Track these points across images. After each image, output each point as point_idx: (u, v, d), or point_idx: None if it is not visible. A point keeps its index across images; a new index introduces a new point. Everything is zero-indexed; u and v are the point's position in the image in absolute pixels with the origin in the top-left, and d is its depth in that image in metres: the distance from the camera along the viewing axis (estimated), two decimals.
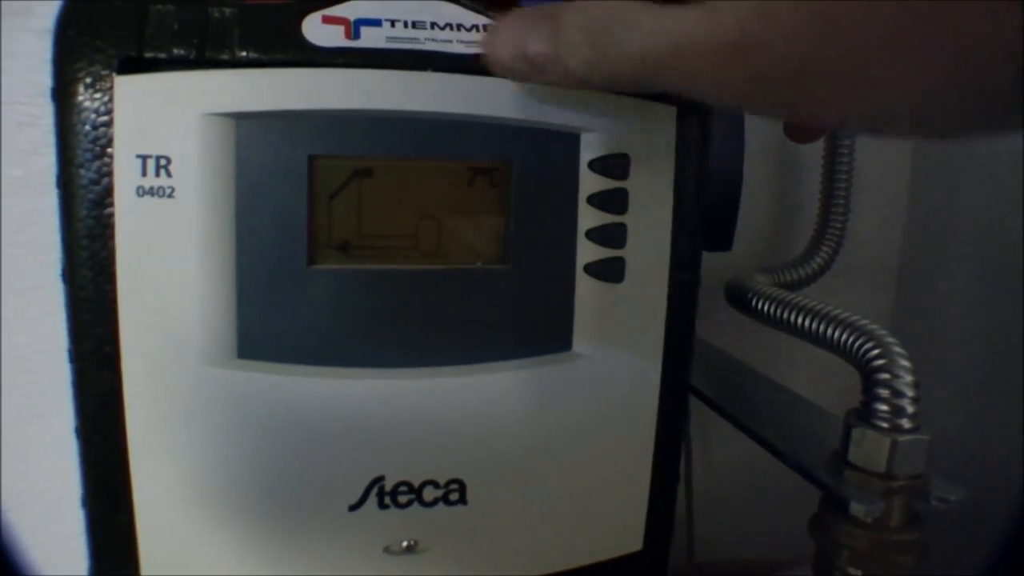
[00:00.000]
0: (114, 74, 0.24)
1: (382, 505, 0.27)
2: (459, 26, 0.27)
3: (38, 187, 0.41)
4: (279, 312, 0.26)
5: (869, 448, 0.33)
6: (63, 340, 0.42)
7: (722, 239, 0.34)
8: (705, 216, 0.30)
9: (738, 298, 0.43)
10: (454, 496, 0.28)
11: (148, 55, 0.25)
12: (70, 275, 0.25)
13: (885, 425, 0.33)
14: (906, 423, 0.33)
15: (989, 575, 0.12)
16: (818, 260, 0.45)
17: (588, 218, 0.27)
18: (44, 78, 0.40)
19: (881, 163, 0.51)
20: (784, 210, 0.51)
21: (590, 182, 0.27)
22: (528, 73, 0.23)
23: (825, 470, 0.35)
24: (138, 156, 0.24)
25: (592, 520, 0.30)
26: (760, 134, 0.49)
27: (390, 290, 0.26)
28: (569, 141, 0.27)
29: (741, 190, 0.34)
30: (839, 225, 0.45)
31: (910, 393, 0.33)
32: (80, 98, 0.24)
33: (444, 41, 0.26)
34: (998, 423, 0.43)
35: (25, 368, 0.42)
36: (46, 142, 0.41)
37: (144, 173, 0.24)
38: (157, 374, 0.25)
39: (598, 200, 0.27)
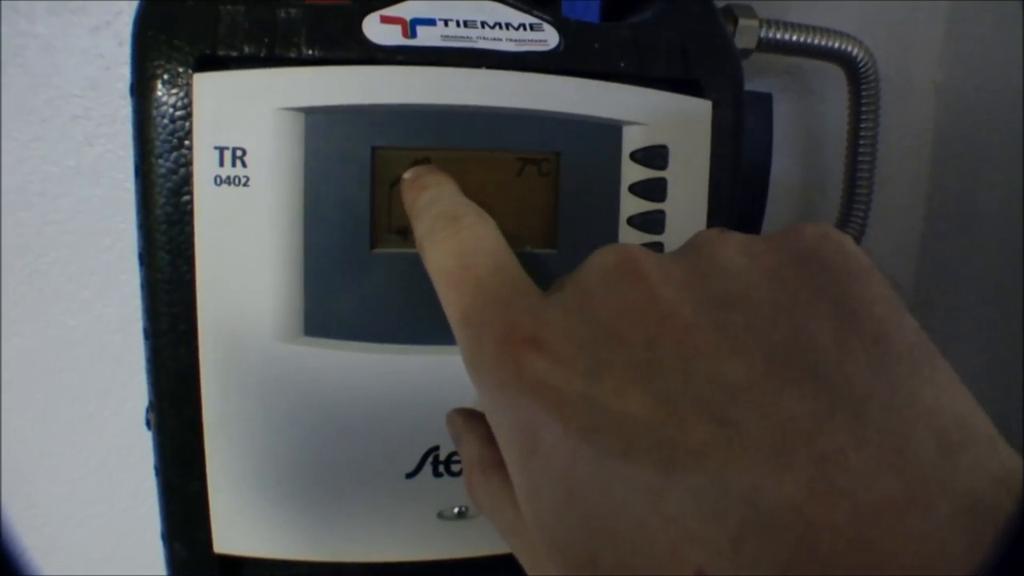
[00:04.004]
0: (191, 71, 0.26)
1: (436, 473, 0.29)
2: (508, 25, 0.28)
3: (91, 176, 0.43)
4: (343, 293, 0.27)
5: None
6: (113, 323, 0.44)
7: (751, 228, 0.35)
8: (736, 204, 0.31)
9: None
10: None
11: (222, 53, 0.26)
12: (148, 258, 0.27)
13: None
14: None
15: (994, 566, 0.12)
16: None
17: (630, 205, 0.29)
18: (97, 72, 0.42)
19: (902, 153, 0.53)
20: (807, 201, 0.52)
21: (632, 172, 0.29)
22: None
23: None
24: (216, 148, 0.26)
25: None
26: (784, 127, 0.51)
27: None
28: (613, 133, 0.28)
29: (769, 180, 0.35)
30: (861, 215, 0.46)
31: None
32: (159, 93, 0.26)
33: (495, 39, 0.28)
34: (1018, 405, 0.45)
35: (77, 350, 0.44)
36: (99, 133, 0.43)
37: (221, 163, 0.26)
38: (230, 350, 0.27)
39: (639, 189, 0.29)
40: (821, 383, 0.15)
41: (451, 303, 0.20)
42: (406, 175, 0.26)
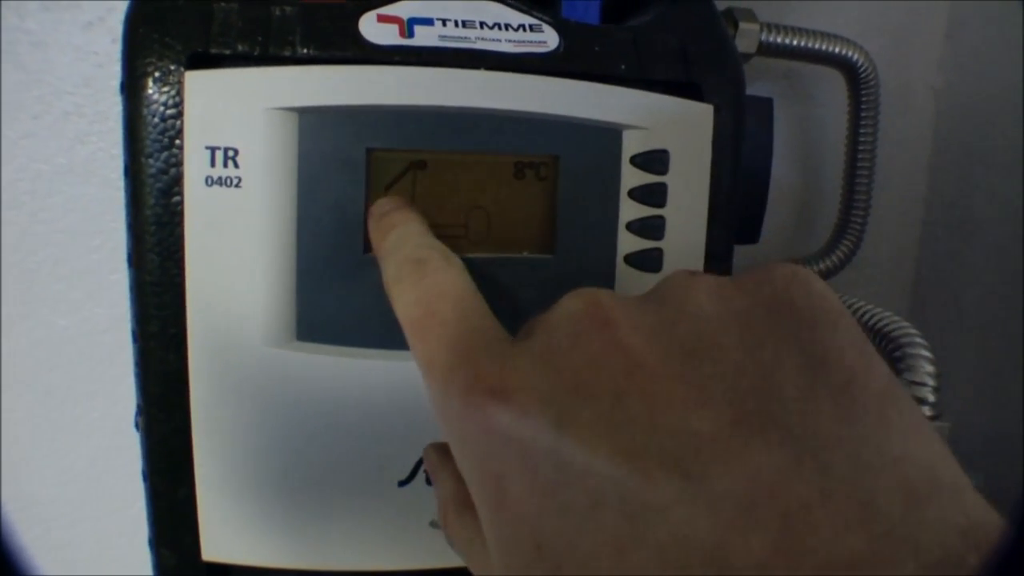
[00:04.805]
0: (183, 69, 0.25)
1: (429, 482, 0.28)
2: (507, 26, 0.28)
3: (82, 175, 0.42)
4: (336, 297, 0.27)
5: None
6: (102, 323, 0.43)
7: (750, 232, 0.35)
8: (736, 209, 0.31)
9: None
10: None
11: (214, 51, 0.26)
12: (137, 260, 0.27)
13: None
14: (928, 411, 0.34)
15: (1005, 558, 0.12)
16: (839, 253, 0.46)
17: (629, 210, 0.28)
18: (90, 69, 0.41)
19: (901, 158, 0.52)
20: (806, 205, 0.52)
21: (631, 176, 0.28)
22: None
23: None
24: (207, 147, 0.25)
25: None
26: (784, 131, 0.50)
27: None
28: (612, 137, 0.28)
29: (769, 185, 0.35)
30: (860, 220, 0.46)
31: (931, 383, 0.34)
32: (150, 91, 0.26)
33: (493, 40, 0.28)
34: (1015, 411, 0.45)
35: (67, 350, 0.44)
36: (91, 131, 0.42)
37: (213, 164, 0.25)
38: (220, 354, 0.27)
39: (639, 194, 0.28)
40: (787, 433, 0.15)
41: (418, 351, 0.20)
42: (372, 208, 0.26)
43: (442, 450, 0.24)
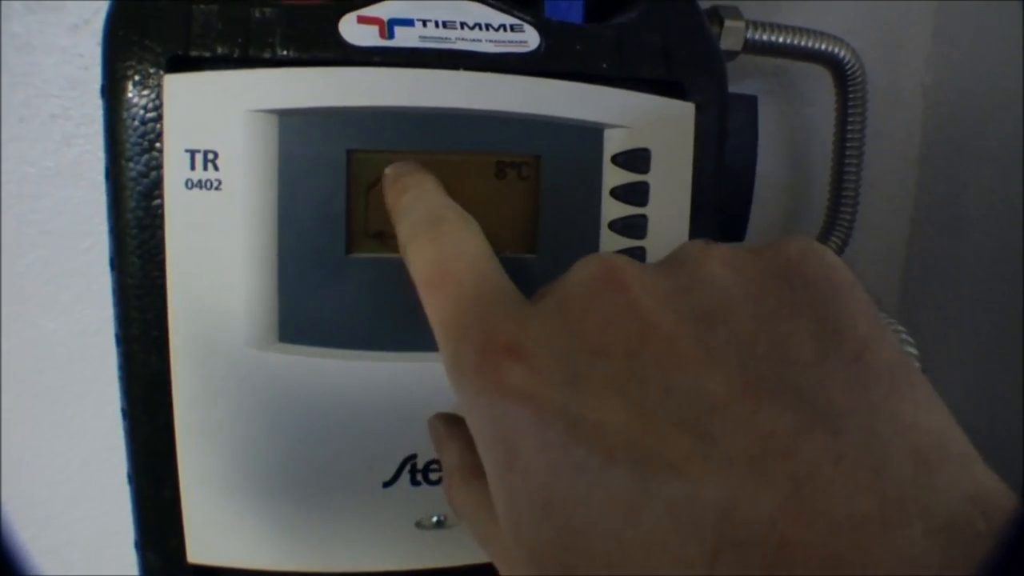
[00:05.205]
0: (163, 72, 0.25)
1: (414, 482, 0.28)
2: (488, 26, 0.28)
3: (69, 177, 0.42)
4: (318, 298, 0.27)
5: None
6: (93, 325, 0.43)
7: (736, 230, 0.35)
8: (720, 207, 0.31)
9: None
10: None
11: (194, 54, 0.26)
12: (119, 263, 0.27)
13: None
14: None
15: (994, 559, 0.12)
16: None
17: (611, 210, 0.28)
18: (76, 71, 0.41)
19: (889, 155, 0.52)
20: (794, 202, 0.52)
21: (613, 175, 0.28)
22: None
23: None
24: (187, 150, 0.25)
25: None
26: (771, 129, 0.50)
27: None
28: (594, 136, 0.28)
29: (754, 183, 0.35)
30: (848, 217, 0.46)
31: None
32: (129, 95, 0.26)
33: (474, 40, 0.28)
34: (1004, 410, 0.45)
35: (57, 352, 0.44)
36: (78, 133, 0.42)
37: (193, 167, 0.25)
38: (203, 357, 0.27)
39: (621, 193, 0.28)
40: (800, 398, 0.15)
41: (432, 309, 0.20)
42: (388, 170, 0.26)
43: (447, 419, 0.24)
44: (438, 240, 0.21)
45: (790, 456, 0.14)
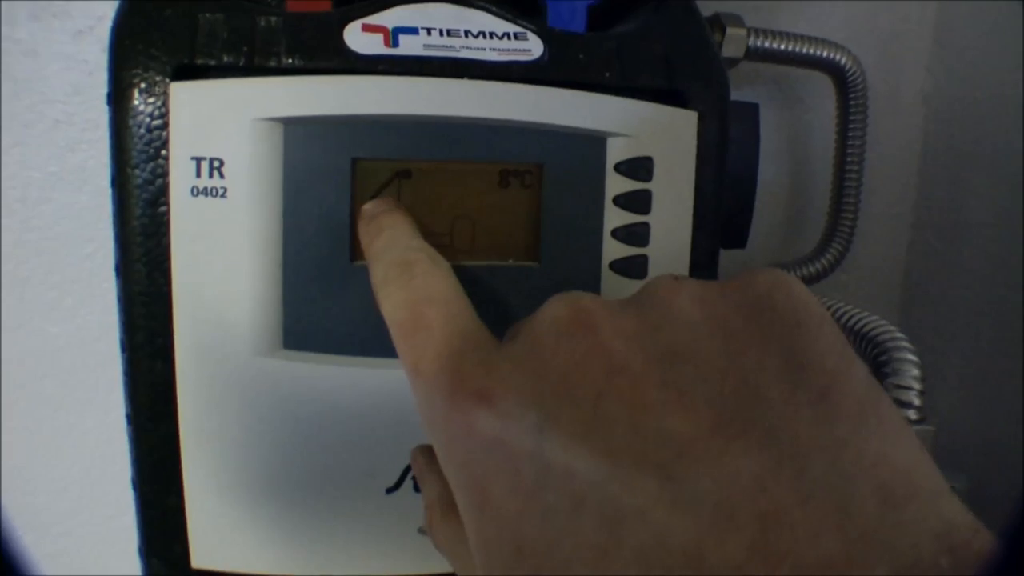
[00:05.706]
0: (169, 80, 0.26)
1: (417, 489, 0.28)
2: (491, 34, 0.28)
3: (73, 183, 0.42)
4: (323, 306, 0.27)
5: None
6: (95, 331, 0.43)
7: (738, 237, 0.35)
8: (722, 215, 0.31)
9: None
10: None
11: (200, 62, 0.26)
12: (124, 270, 0.27)
13: None
14: (912, 415, 0.34)
15: (993, 564, 0.12)
16: (828, 257, 0.46)
17: (614, 218, 0.29)
18: (80, 77, 0.42)
19: (890, 162, 0.52)
20: (795, 209, 0.52)
21: (616, 184, 0.28)
22: None
23: None
24: (193, 158, 0.26)
25: None
26: (772, 136, 0.51)
27: None
28: (597, 145, 0.28)
29: (756, 190, 0.35)
30: (849, 224, 0.46)
31: (916, 386, 0.34)
32: (135, 102, 0.26)
33: (478, 49, 0.28)
34: (1004, 416, 0.45)
35: (59, 358, 0.44)
36: (81, 139, 0.42)
37: (198, 174, 0.26)
38: (208, 364, 0.27)
39: (623, 201, 0.29)
40: (767, 437, 0.15)
41: (404, 354, 0.20)
42: (364, 207, 0.26)
43: (429, 453, 0.24)
44: (409, 284, 0.22)
45: (756, 497, 0.14)
